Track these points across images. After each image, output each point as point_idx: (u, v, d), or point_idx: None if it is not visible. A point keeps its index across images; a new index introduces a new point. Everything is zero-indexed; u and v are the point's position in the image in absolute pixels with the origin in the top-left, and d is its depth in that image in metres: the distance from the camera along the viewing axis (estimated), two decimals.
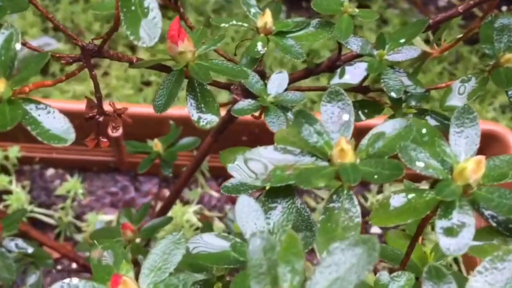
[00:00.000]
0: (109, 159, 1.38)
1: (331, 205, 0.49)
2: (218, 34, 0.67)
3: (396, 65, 0.76)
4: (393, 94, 0.71)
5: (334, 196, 0.49)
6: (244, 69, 0.65)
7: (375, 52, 0.74)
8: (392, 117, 0.76)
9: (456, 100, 0.76)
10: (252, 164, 0.50)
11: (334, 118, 0.52)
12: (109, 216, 1.33)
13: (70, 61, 0.56)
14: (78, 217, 1.34)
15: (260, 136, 1.35)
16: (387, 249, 0.66)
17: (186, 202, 1.38)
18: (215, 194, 1.40)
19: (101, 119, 0.58)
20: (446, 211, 0.47)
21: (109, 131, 0.62)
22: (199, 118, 0.64)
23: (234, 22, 0.72)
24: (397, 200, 0.49)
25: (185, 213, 1.33)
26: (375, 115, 0.78)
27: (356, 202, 0.49)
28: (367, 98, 0.80)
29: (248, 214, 0.50)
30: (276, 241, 0.40)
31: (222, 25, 0.72)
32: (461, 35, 0.86)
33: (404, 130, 0.51)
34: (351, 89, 0.76)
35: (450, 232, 0.46)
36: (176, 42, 0.62)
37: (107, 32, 0.55)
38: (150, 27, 0.48)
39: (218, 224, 1.35)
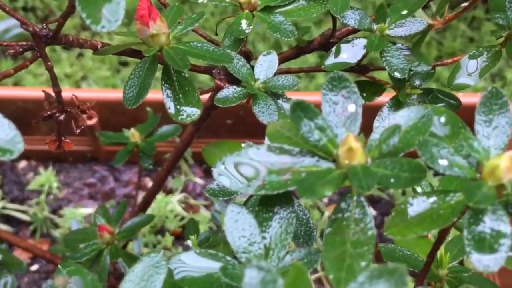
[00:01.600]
0: (85, 149, 1.29)
1: (339, 215, 0.41)
2: (197, 12, 0.59)
3: (397, 40, 0.68)
4: (397, 74, 0.63)
5: (342, 204, 0.41)
6: (227, 52, 0.57)
7: (375, 27, 0.66)
8: (395, 99, 0.68)
9: (465, 78, 0.68)
10: (242, 169, 0.42)
11: (338, 109, 0.44)
12: (87, 209, 1.25)
13: (20, 50, 0.47)
14: (55, 211, 1.25)
15: (246, 118, 1.27)
16: (396, 251, 0.59)
17: (169, 191, 1.30)
18: (199, 181, 1.32)
19: (61, 117, 0.50)
20: (477, 217, 0.40)
21: (74, 128, 0.53)
22: (178, 111, 0.55)
23: None
24: (417, 206, 0.41)
25: (169, 203, 1.25)
26: (376, 97, 0.70)
27: (368, 211, 0.41)
28: (366, 78, 0.71)
29: (240, 228, 0.42)
30: (277, 271, 0.32)
31: (200, 0, 0.62)
32: (466, 4, 0.78)
33: (420, 121, 0.43)
34: (349, 69, 0.67)
35: (482, 244, 0.39)
36: (147, 24, 0.53)
37: (61, 15, 0.46)
38: (111, 8, 0.39)
39: (204, 213, 1.27)
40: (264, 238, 0.42)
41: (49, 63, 0.48)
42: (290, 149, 0.43)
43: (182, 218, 1.26)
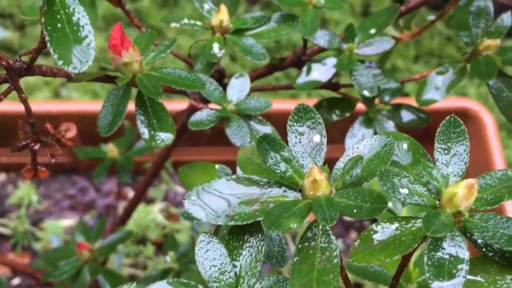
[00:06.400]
0: (65, 160, 1.30)
1: (305, 244, 0.42)
2: (169, 38, 0.60)
3: (367, 57, 0.70)
4: (365, 93, 0.65)
5: (308, 233, 0.43)
6: (199, 77, 0.58)
7: (345, 47, 0.67)
8: (365, 116, 0.70)
9: (433, 93, 0.70)
10: (212, 201, 0.43)
11: (303, 140, 0.45)
12: (68, 221, 1.25)
13: None
14: (36, 224, 1.25)
15: (223, 128, 1.28)
16: (368, 267, 0.61)
17: (150, 201, 1.31)
18: (180, 189, 1.33)
19: (36, 147, 0.51)
20: (436, 244, 0.42)
21: (49, 157, 0.54)
22: (152, 136, 0.56)
23: (186, 21, 0.64)
24: (380, 233, 0.43)
25: (150, 213, 1.26)
26: (347, 113, 0.72)
27: (334, 239, 0.42)
28: (337, 95, 0.73)
29: (210, 257, 0.43)
30: None
31: (173, 25, 0.64)
32: (434, 17, 0.80)
33: (383, 150, 0.45)
34: (320, 86, 0.69)
35: (441, 269, 0.40)
36: (119, 52, 0.54)
37: (35, 49, 0.47)
38: (82, 49, 0.40)
39: (185, 222, 1.28)
40: (234, 266, 0.44)
41: (23, 95, 0.49)
42: (258, 180, 0.44)
43: (164, 227, 1.27)
